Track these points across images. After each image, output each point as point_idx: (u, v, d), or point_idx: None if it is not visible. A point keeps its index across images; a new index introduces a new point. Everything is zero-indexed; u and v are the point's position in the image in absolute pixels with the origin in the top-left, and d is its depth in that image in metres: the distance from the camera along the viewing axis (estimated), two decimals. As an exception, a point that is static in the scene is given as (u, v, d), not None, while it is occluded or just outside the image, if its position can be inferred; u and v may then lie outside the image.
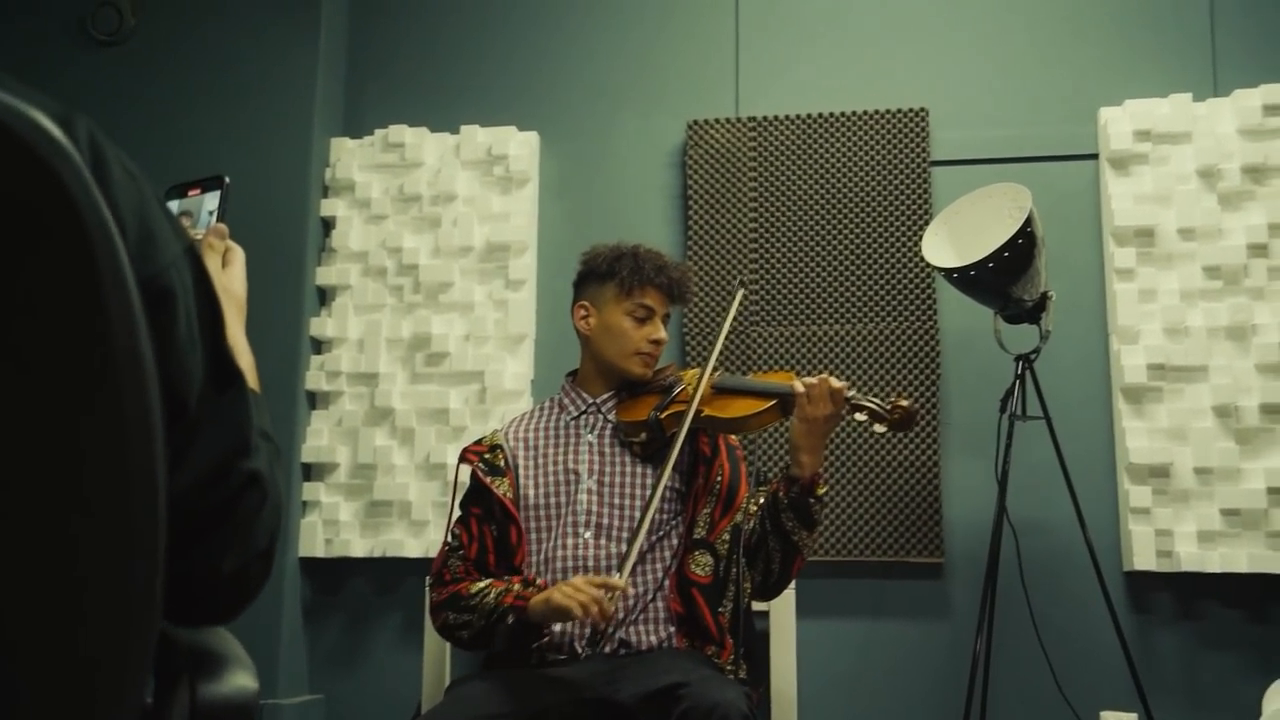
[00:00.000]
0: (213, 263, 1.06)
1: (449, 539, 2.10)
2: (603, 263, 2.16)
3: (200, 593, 0.81)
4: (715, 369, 2.12)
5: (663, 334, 2.16)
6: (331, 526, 3.08)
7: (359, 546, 3.06)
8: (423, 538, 3.02)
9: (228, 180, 1.11)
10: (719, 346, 2.14)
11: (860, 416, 1.96)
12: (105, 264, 0.64)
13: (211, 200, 1.11)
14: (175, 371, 0.73)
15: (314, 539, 3.06)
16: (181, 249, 0.76)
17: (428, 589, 2.10)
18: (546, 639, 1.99)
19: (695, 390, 2.03)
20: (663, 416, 2.06)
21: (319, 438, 3.12)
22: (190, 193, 1.13)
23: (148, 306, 0.69)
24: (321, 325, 3.18)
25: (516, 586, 1.96)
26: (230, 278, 1.07)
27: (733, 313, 2.18)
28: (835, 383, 1.94)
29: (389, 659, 3.06)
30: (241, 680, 0.86)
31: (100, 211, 0.63)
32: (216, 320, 0.79)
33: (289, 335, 3.14)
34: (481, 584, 2.00)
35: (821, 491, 2.00)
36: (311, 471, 3.13)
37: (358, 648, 3.09)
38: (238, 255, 1.10)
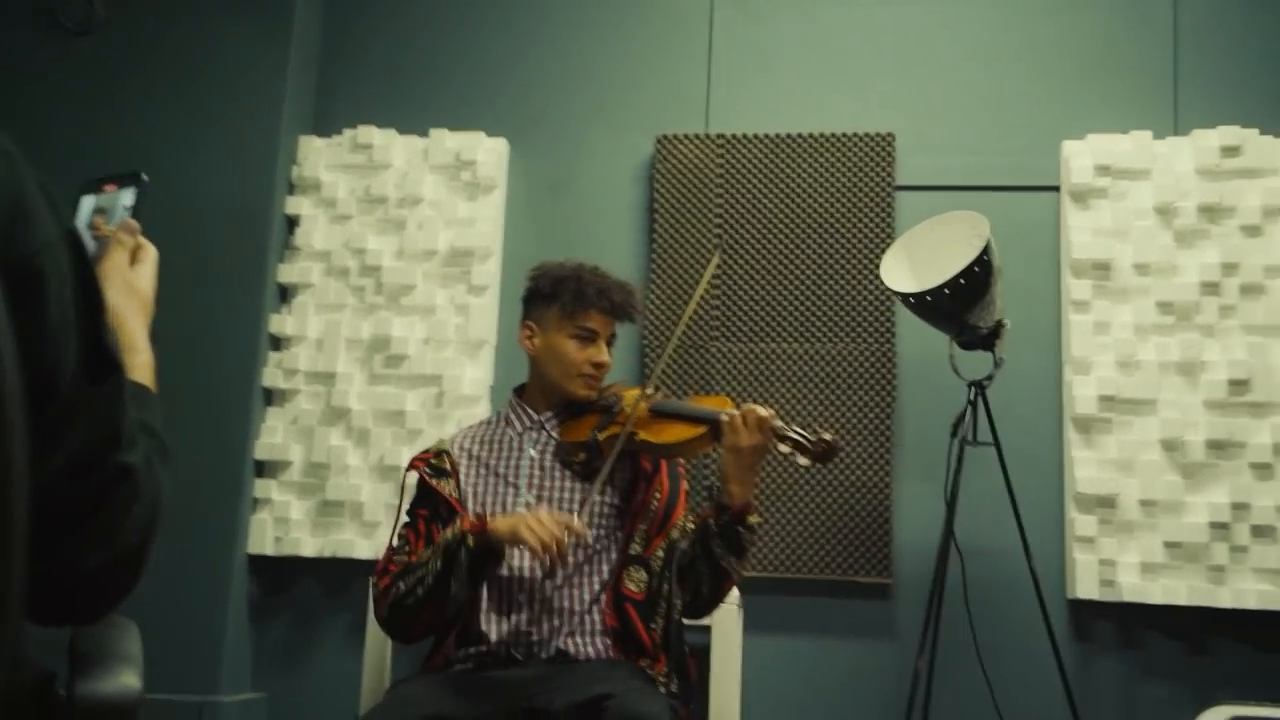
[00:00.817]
0: (119, 257, 1.05)
1: (394, 542, 2.11)
2: (546, 284, 2.17)
3: (61, 589, 0.78)
4: (654, 391, 2.14)
5: (605, 357, 2.17)
6: (282, 525, 3.07)
7: (309, 545, 3.05)
8: (374, 539, 3.02)
9: (145, 177, 1.10)
10: (689, 312, 2.17)
11: (784, 448, 1.98)
12: None
13: (127, 196, 1.10)
14: (45, 356, 0.71)
15: (264, 536, 3.05)
16: (59, 233, 0.74)
17: (371, 586, 2.10)
18: (483, 647, 2.00)
19: (630, 415, 2.06)
20: (601, 439, 2.08)
21: (273, 435, 3.11)
22: (106, 188, 1.12)
23: (15, 288, 0.68)
24: (281, 323, 3.17)
25: (471, 518, 1.98)
26: (138, 275, 1.06)
27: (706, 279, 2.21)
28: (762, 411, 1.95)
29: (333, 660, 3.05)
30: (125, 680, 0.84)
31: None
32: (95, 309, 0.77)
33: (248, 331, 3.13)
34: (424, 551, 2.01)
35: (753, 520, 2.01)
36: (264, 469, 3.12)
37: (303, 647, 3.08)
38: (149, 253, 1.08)
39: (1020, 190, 3.13)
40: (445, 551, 1.94)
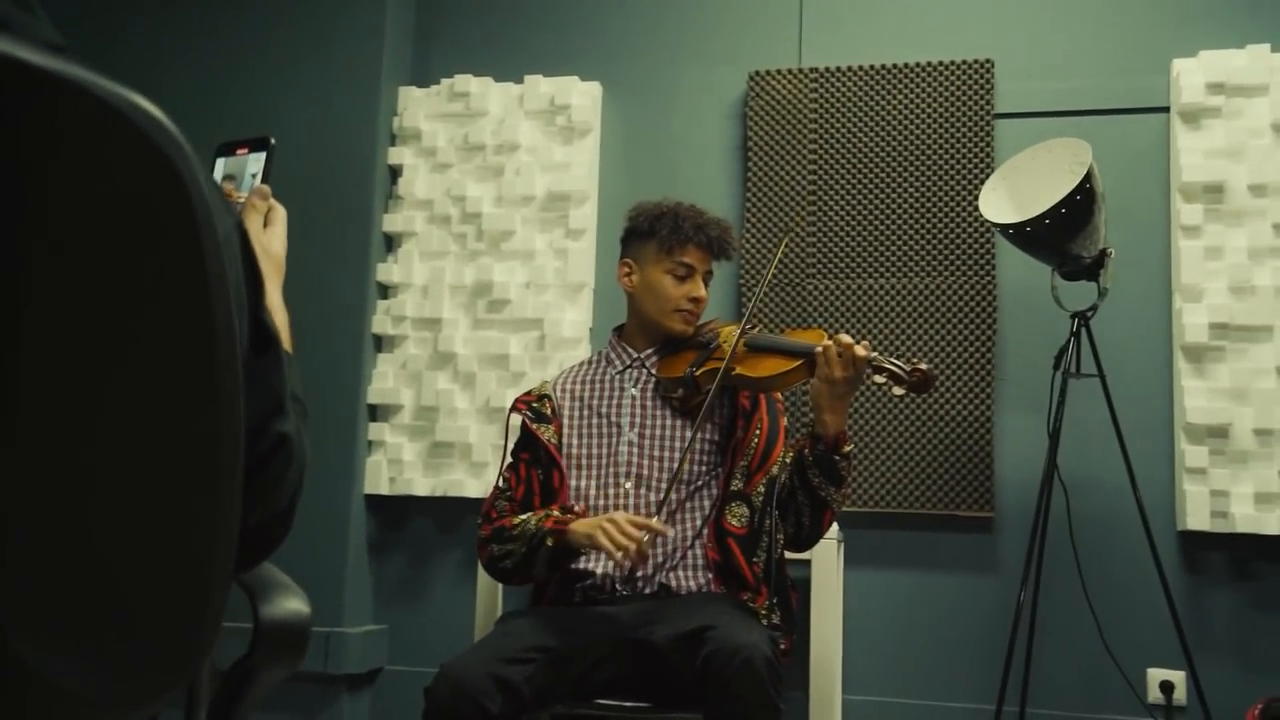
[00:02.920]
0: (254, 223, 1.09)
1: (499, 483, 2.20)
2: (644, 221, 2.21)
3: None
4: (751, 327, 2.16)
5: (702, 292, 2.20)
6: (395, 465, 3.20)
7: (421, 485, 3.17)
8: (482, 478, 3.12)
9: (273, 141, 1.13)
10: (758, 297, 2.18)
11: (879, 379, 1.98)
12: (210, 255, 0.68)
13: (257, 161, 1.14)
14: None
15: (379, 477, 3.19)
16: (233, 224, 0.79)
17: (478, 528, 2.20)
18: (590, 581, 2.08)
19: (729, 350, 2.08)
20: (698, 374, 2.11)
21: (384, 380, 3.23)
22: (239, 151, 1.16)
23: None
24: (388, 271, 3.28)
25: (556, 513, 2.05)
26: (271, 238, 1.10)
27: (776, 259, 2.23)
28: (857, 348, 1.96)
29: (448, 593, 3.18)
30: (295, 605, 0.94)
31: (206, 200, 0.67)
32: (257, 286, 0.83)
33: (356, 280, 3.24)
34: (523, 516, 2.09)
35: (847, 449, 2.03)
36: (377, 412, 3.25)
37: (419, 581, 3.22)
38: (279, 215, 1.12)
39: (1127, 113, 3.03)
40: (529, 540, 2.03)
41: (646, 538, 1.92)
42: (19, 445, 0.65)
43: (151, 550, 0.70)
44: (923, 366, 1.96)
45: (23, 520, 0.65)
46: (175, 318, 0.69)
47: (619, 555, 1.89)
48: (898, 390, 1.98)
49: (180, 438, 0.70)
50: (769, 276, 2.22)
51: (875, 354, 1.99)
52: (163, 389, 0.69)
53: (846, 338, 1.98)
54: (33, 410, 0.65)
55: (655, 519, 1.96)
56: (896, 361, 1.99)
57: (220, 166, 1.18)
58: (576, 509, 2.10)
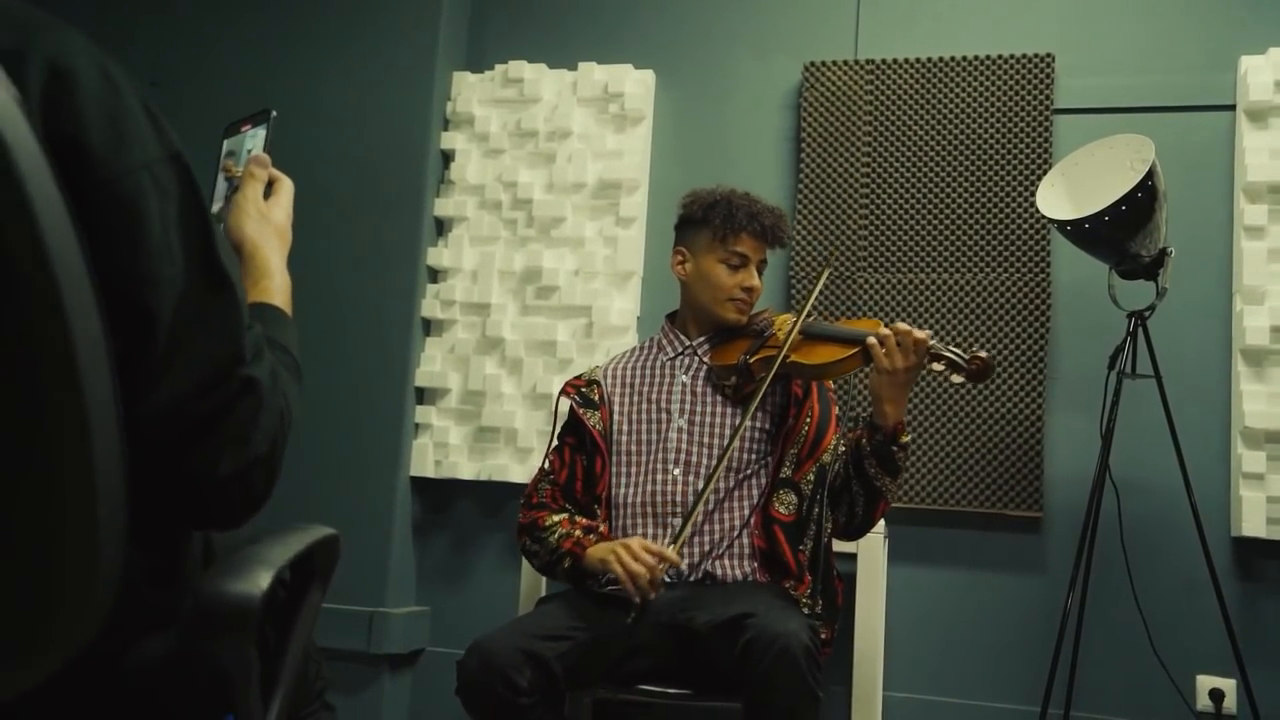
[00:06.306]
0: (252, 191, 1.11)
1: (544, 465, 2.20)
2: (698, 209, 2.20)
3: (200, 496, 0.83)
4: (807, 316, 2.15)
5: (756, 281, 2.19)
6: (441, 449, 3.21)
7: (466, 469, 3.19)
8: (527, 464, 3.13)
9: (274, 114, 1.16)
10: (804, 315, 2.14)
11: (938, 366, 1.97)
12: (42, 217, 0.65)
13: (255, 135, 1.17)
14: (142, 277, 0.75)
15: (425, 460, 3.20)
16: (162, 154, 0.78)
17: (520, 509, 2.21)
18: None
19: (785, 338, 2.07)
20: (752, 361, 2.10)
21: (432, 363, 3.25)
22: (243, 128, 1.20)
23: (112, 206, 0.72)
24: (438, 255, 3.29)
25: (578, 533, 2.04)
26: (273, 206, 1.11)
27: (817, 290, 2.21)
28: (917, 333, 1.95)
29: (491, 576, 3.20)
30: (238, 586, 0.86)
31: (31, 151, 0.65)
32: (204, 229, 0.81)
33: (407, 264, 3.26)
34: (555, 518, 2.09)
35: (905, 439, 2.01)
36: (424, 395, 3.26)
37: (462, 564, 3.24)
38: (284, 186, 1.14)
39: (1191, 110, 2.96)
40: (551, 554, 2.06)
41: (661, 566, 1.90)
42: None
43: None
44: (982, 354, 1.94)
45: None
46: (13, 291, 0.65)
47: (629, 585, 1.88)
48: (956, 378, 1.96)
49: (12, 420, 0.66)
50: (810, 303, 2.18)
51: (934, 341, 1.98)
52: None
53: (905, 325, 1.96)
54: None
55: (671, 548, 1.93)
56: (955, 349, 1.97)
57: (225, 146, 1.21)
58: (602, 529, 2.09)
